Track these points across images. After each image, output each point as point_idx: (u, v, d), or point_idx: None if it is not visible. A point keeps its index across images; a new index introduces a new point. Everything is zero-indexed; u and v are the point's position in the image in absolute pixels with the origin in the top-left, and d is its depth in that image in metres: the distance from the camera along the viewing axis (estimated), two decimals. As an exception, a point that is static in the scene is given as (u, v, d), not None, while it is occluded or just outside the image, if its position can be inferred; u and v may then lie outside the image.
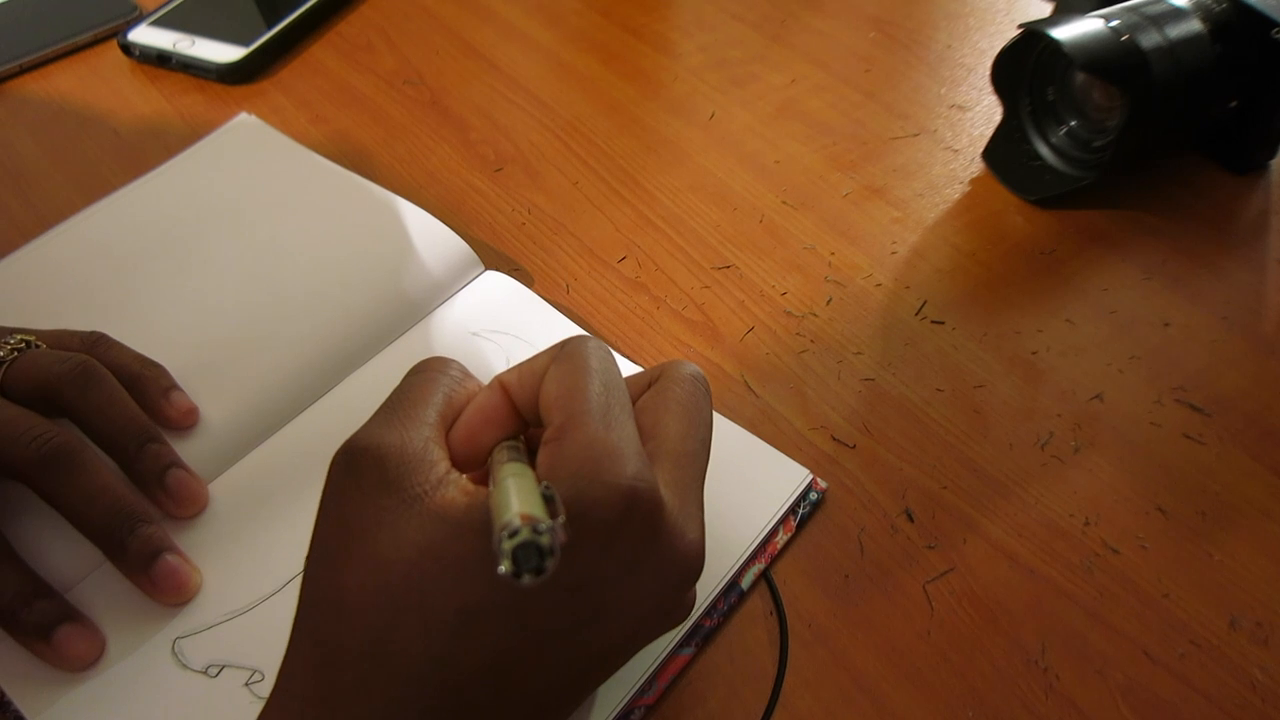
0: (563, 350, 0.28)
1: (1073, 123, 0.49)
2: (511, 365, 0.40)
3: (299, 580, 0.33)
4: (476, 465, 0.27)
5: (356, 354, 0.40)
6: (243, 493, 0.36)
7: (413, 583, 0.23)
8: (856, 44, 0.59)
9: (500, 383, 0.28)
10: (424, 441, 0.26)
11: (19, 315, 0.38)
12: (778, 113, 0.54)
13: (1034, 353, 0.42)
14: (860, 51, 0.58)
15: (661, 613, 0.27)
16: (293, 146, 0.50)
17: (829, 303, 0.44)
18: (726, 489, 0.35)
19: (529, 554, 0.20)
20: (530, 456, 0.27)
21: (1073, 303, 0.44)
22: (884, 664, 0.33)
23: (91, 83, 0.57)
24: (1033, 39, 0.46)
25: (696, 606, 0.31)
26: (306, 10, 0.60)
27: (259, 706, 0.25)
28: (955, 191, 0.49)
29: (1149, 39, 0.44)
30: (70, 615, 0.31)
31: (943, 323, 0.43)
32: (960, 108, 0.54)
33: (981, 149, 0.51)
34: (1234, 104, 0.47)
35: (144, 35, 0.57)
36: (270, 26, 0.58)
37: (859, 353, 0.42)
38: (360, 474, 0.25)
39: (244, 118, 0.52)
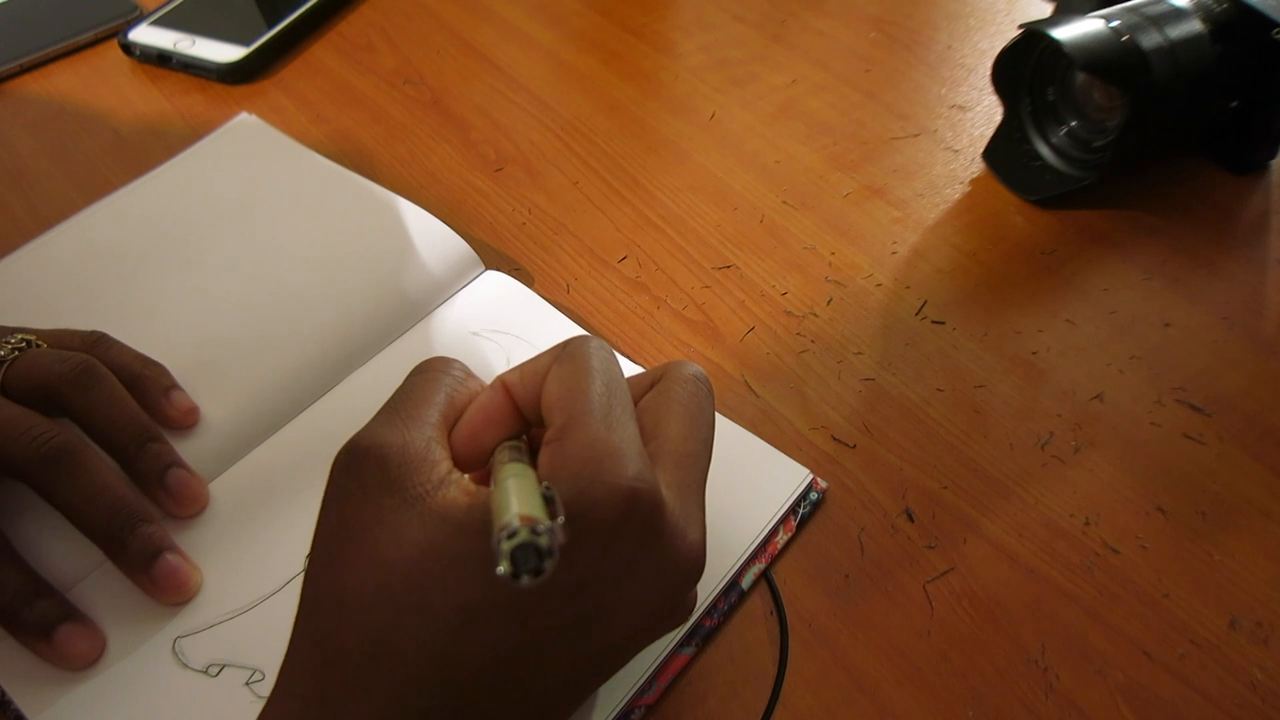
0: (565, 350, 0.28)
1: (1073, 123, 0.49)
2: (512, 365, 0.40)
3: (299, 580, 0.33)
4: (479, 465, 0.27)
5: (357, 354, 0.40)
6: (243, 492, 0.36)
7: (414, 582, 0.23)
8: (857, 44, 0.59)
9: (502, 383, 0.28)
10: (426, 441, 0.26)
11: (19, 315, 0.38)
12: (778, 113, 0.54)
13: (1034, 353, 0.42)
14: (860, 51, 0.58)
15: (662, 613, 0.27)
16: (293, 146, 0.50)
17: (829, 303, 0.44)
18: (727, 489, 0.35)
19: (527, 555, 0.20)
20: (532, 457, 0.27)
21: (1073, 303, 0.44)
22: (884, 664, 0.33)
23: (92, 82, 0.57)
24: (1033, 39, 0.46)
25: (697, 606, 0.31)
26: (307, 10, 0.60)
27: (259, 706, 0.25)
28: (955, 191, 0.49)
29: (1149, 39, 0.44)
30: (71, 614, 0.32)
31: (943, 323, 0.43)
32: (961, 108, 0.54)
33: (982, 149, 0.51)
34: (1234, 104, 0.47)
35: (144, 35, 0.57)
36: (271, 26, 0.58)
37: (859, 353, 0.42)
38: (362, 474, 0.25)
39: (244, 117, 0.52)
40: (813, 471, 0.37)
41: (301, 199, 0.47)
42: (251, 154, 0.50)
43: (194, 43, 0.57)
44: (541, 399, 0.27)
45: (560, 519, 0.22)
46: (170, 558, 0.33)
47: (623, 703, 0.31)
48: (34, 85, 0.56)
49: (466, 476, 0.26)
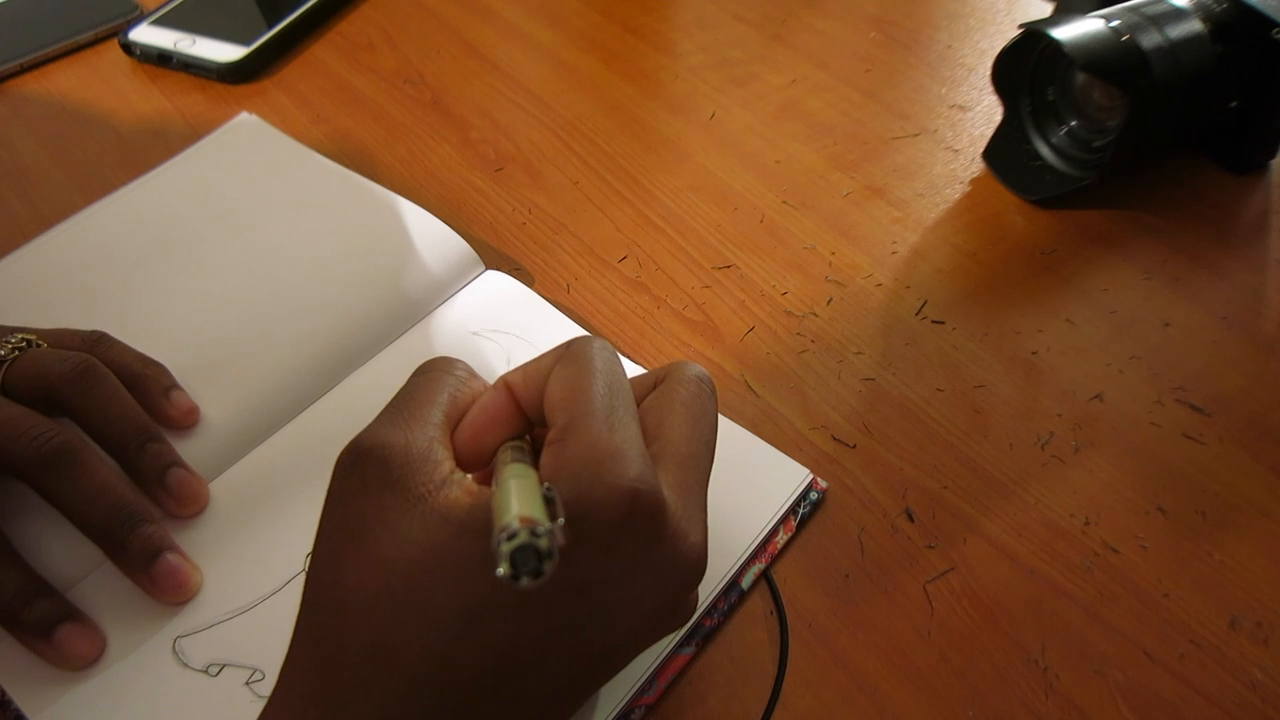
0: (568, 351, 0.28)
1: (1073, 123, 0.49)
2: (512, 365, 0.40)
3: (299, 580, 0.33)
4: (481, 465, 0.27)
5: (357, 354, 0.40)
6: (243, 492, 0.36)
7: (415, 583, 0.23)
8: (857, 44, 0.59)
9: (505, 383, 0.28)
10: (428, 441, 0.26)
11: (19, 315, 0.38)
12: (778, 113, 0.54)
13: (1034, 353, 0.42)
14: (861, 51, 0.58)
15: (664, 614, 0.27)
16: (293, 146, 0.50)
17: (829, 302, 0.44)
18: (727, 488, 0.35)
19: (527, 556, 0.20)
20: (535, 456, 0.27)
21: (1073, 303, 0.44)
22: (884, 664, 0.33)
23: (92, 82, 0.57)
24: (1033, 39, 0.46)
25: (697, 606, 0.31)
26: (307, 10, 0.60)
27: (259, 706, 0.25)
28: (955, 191, 0.49)
29: (1149, 39, 0.44)
30: (71, 614, 0.32)
31: (943, 323, 0.43)
32: (961, 108, 0.54)
33: (982, 149, 0.51)
34: (1234, 104, 0.47)
35: (145, 34, 0.57)
36: (271, 26, 0.58)
37: (859, 352, 0.42)
38: (364, 473, 0.25)
39: (245, 117, 0.52)
40: (813, 471, 0.37)
41: (301, 199, 0.47)
42: (251, 154, 0.50)
43: (194, 42, 0.57)
44: (544, 399, 0.27)
45: (560, 520, 0.22)
46: (170, 557, 0.33)
47: (623, 702, 0.31)
48: (34, 85, 0.56)
49: (469, 477, 0.26)
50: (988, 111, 0.54)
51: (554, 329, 0.42)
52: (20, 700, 0.31)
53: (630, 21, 0.61)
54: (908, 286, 0.45)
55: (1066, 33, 0.43)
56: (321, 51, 0.59)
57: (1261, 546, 0.36)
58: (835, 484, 0.37)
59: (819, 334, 0.43)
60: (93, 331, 0.37)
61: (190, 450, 0.36)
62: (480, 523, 0.23)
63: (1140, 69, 0.43)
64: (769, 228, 0.48)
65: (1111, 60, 0.43)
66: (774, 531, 0.35)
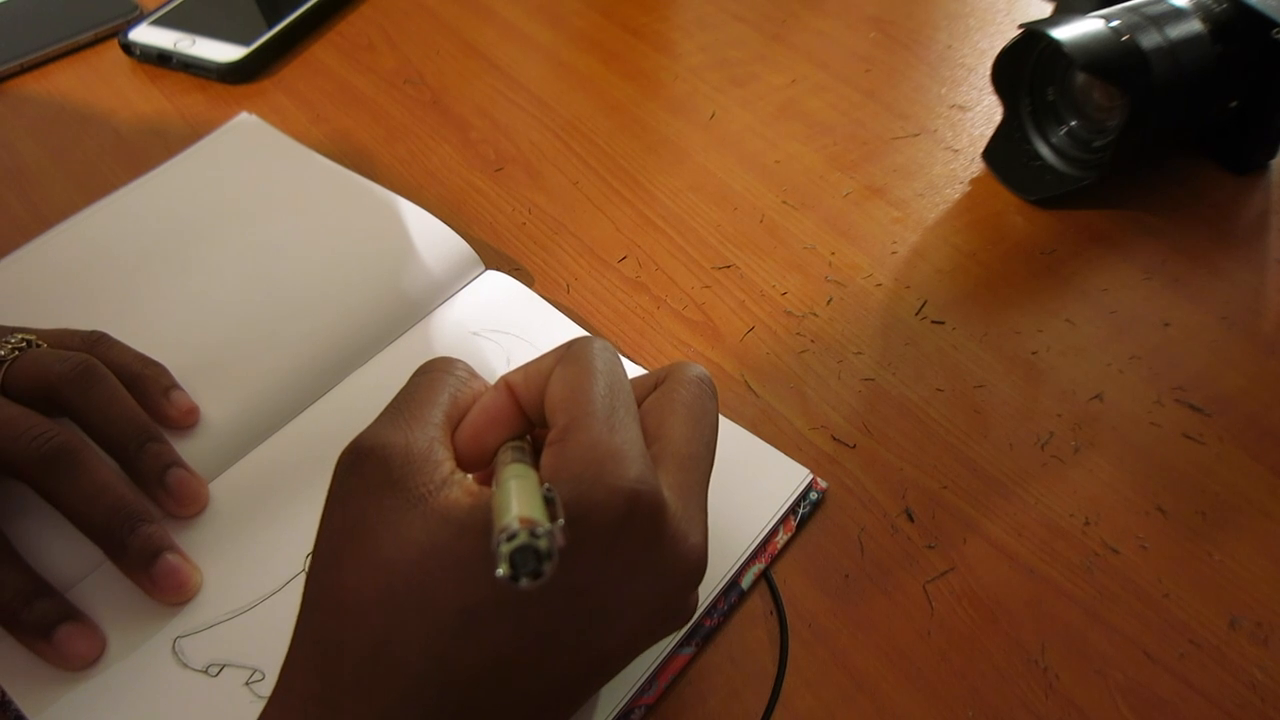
0: (568, 351, 0.28)
1: (1073, 123, 0.49)
2: (512, 365, 0.40)
3: (299, 580, 0.33)
4: (482, 465, 0.27)
5: (357, 354, 0.40)
6: (243, 492, 0.36)
7: (415, 583, 0.23)
8: (857, 44, 0.59)
9: (506, 383, 0.28)
10: (429, 442, 0.26)
11: (19, 315, 0.38)
12: (778, 113, 0.54)
13: (1034, 353, 0.42)
14: (860, 51, 0.58)
15: (664, 616, 0.27)
16: (293, 146, 0.50)
17: (829, 302, 0.44)
18: (727, 489, 0.35)
19: (526, 557, 0.20)
20: (536, 457, 0.27)
21: (1073, 303, 0.44)
22: (884, 664, 0.33)
23: (92, 82, 0.57)
24: (1033, 39, 0.46)
25: (697, 606, 0.31)
26: (307, 10, 0.60)
27: (259, 706, 0.25)
28: (955, 191, 0.49)
29: (1149, 39, 0.44)
30: (71, 614, 0.32)
31: (943, 323, 0.43)
32: (960, 108, 0.54)
33: (982, 149, 0.51)
34: (1234, 104, 0.47)
35: (144, 35, 0.57)
36: (271, 26, 0.58)
37: (859, 352, 0.42)
38: (365, 474, 0.25)
39: (244, 117, 0.52)
40: (813, 471, 0.37)
41: (301, 199, 0.47)
42: (251, 154, 0.50)
43: (194, 42, 0.57)
44: (545, 399, 0.27)
45: (560, 521, 0.22)
46: (170, 557, 0.33)
47: (623, 703, 0.31)
48: (34, 85, 0.56)
49: (470, 477, 0.26)
50: (988, 111, 0.54)
51: (554, 329, 0.42)
52: (20, 700, 0.31)
53: (630, 21, 0.61)
54: (907, 286, 0.45)
55: (1066, 33, 0.43)
56: (321, 51, 0.59)
57: (1261, 546, 0.36)
58: (835, 484, 0.37)
59: (819, 334, 0.43)
60: (92, 332, 0.37)
61: (190, 450, 0.36)
62: (481, 523, 0.23)
63: (1140, 69, 0.43)
64: (769, 228, 0.48)
65: (1111, 60, 0.43)
66: (774, 531, 0.35)
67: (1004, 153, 0.50)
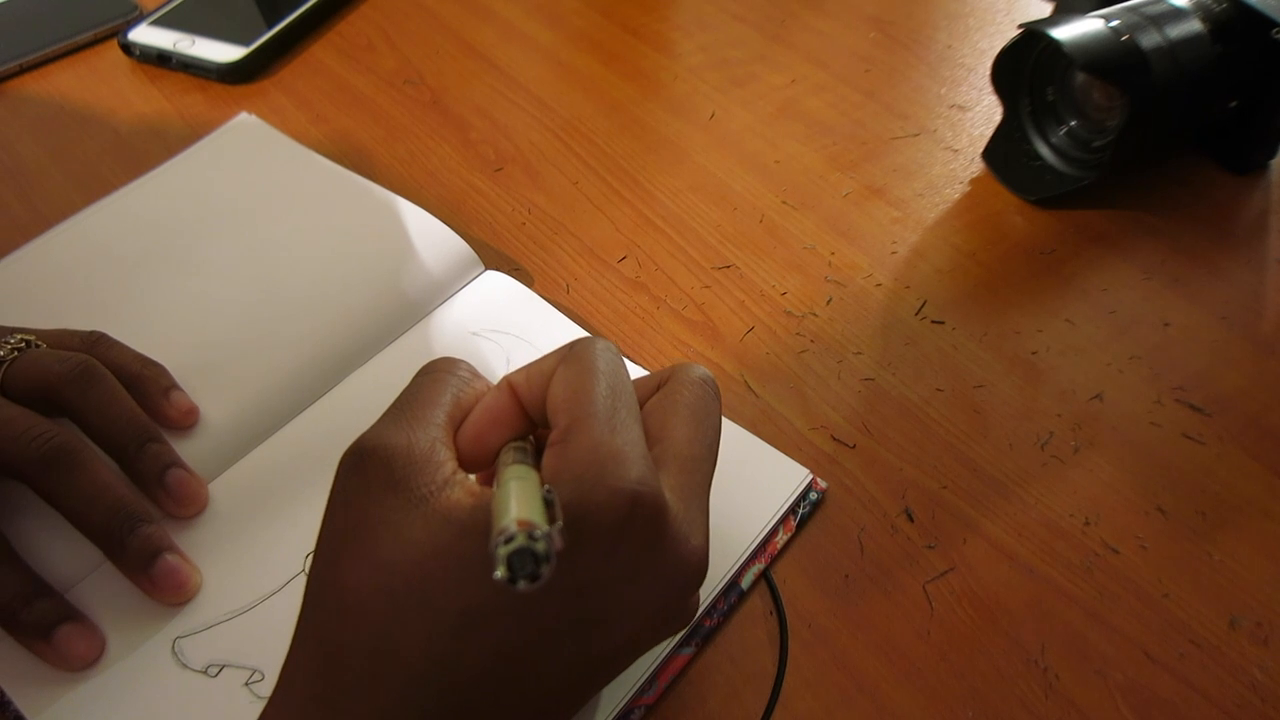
0: (571, 352, 0.28)
1: (1073, 123, 0.49)
2: (512, 365, 0.40)
3: (299, 580, 0.33)
4: (484, 466, 0.27)
5: (356, 354, 0.40)
6: (243, 493, 0.36)
7: (415, 583, 0.23)
8: (856, 44, 0.59)
9: (509, 383, 0.28)
10: (431, 442, 0.26)
11: (19, 315, 0.38)
12: (778, 113, 0.54)
13: (1034, 353, 0.42)
14: (860, 51, 0.58)
15: (664, 617, 0.27)
16: (293, 146, 0.50)
17: (829, 302, 0.44)
18: (726, 489, 0.35)
19: (524, 560, 0.20)
20: (539, 457, 0.26)
21: (1073, 303, 0.44)
22: (884, 664, 0.33)
23: (91, 82, 0.57)
24: (1033, 39, 0.46)
25: (698, 608, 0.31)
26: (307, 10, 0.60)
27: (259, 706, 0.25)
28: (955, 191, 0.49)
29: (1149, 39, 0.44)
30: (70, 615, 0.31)
31: (943, 323, 0.43)
32: (960, 108, 0.54)
33: (981, 149, 0.51)
34: (1234, 104, 0.47)
35: (144, 35, 0.57)
36: (270, 26, 0.58)
37: (859, 353, 0.42)
38: (367, 474, 0.25)
39: (244, 117, 0.52)
40: (812, 471, 0.37)
41: (301, 199, 0.47)
42: (251, 154, 0.50)
43: (194, 43, 0.57)
44: (547, 400, 0.27)
45: (558, 524, 0.22)
46: (170, 558, 0.33)
47: (623, 703, 0.31)
48: (34, 85, 0.56)
49: (472, 477, 0.26)
50: (987, 111, 0.54)
51: (553, 329, 0.42)
52: (20, 701, 0.31)
53: (630, 21, 0.61)
54: (907, 286, 0.45)
55: (1066, 33, 0.43)
56: (321, 52, 0.59)
57: (1261, 546, 0.36)
58: (835, 484, 0.37)
59: (818, 334, 0.43)
60: (92, 332, 0.37)
61: (190, 450, 0.36)
62: (482, 524, 0.23)
63: (1140, 69, 0.43)
64: (769, 228, 0.48)
65: (1111, 60, 0.43)
66: (774, 532, 0.35)
67: (1004, 153, 0.50)
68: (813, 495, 0.37)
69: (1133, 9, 0.45)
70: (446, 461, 0.26)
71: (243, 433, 0.37)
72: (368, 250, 0.44)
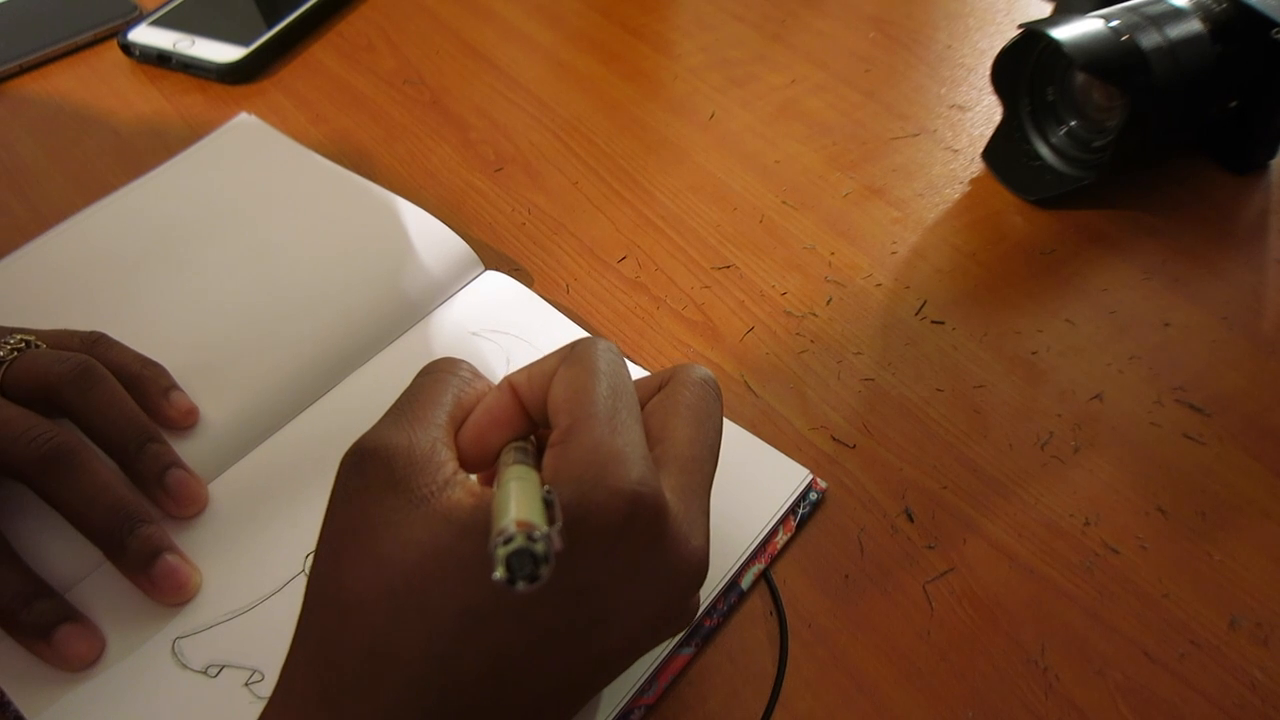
0: (572, 352, 0.28)
1: (1073, 123, 0.49)
2: (512, 365, 0.40)
3: (299, 580, 0.33)
4: (485, 466, 0.27)
5: (356, 354, 0.40)
6: (243, 493, 0.36)
7: (415, 583, 0.23)
8: (856, 44, 0.59)
9: (510, 383, 0.28)
10: (432, 442, 0.26)
11: (19, 315, 0.38)
12: (778, 113, 0.54)
13: (1034, 353, 0.42)
14: (860, 51, 0.58)
15: (665, 618, 0.27)
16: (293, 146, 0.50)
17: (829, 303, 0.44)
18: (726, 489, 0.35)
19: (523, 561, 0.20)
20: (540, 458, 0.26)
21: (1073, 303, 0.44)
22: (884, 664, 0.33)
23: (91, 83, 0.57)
24: (1033, 39, 0.46)
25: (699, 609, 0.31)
26: (306, 10, 0.60)
27: (259, 706, 0.25)
28: (955, 191, 0.49)
29: (1149, 39, 0.44)
30: (70, 615, 0.31)
31: (943, 323, 0.43)
32: (960, 108, 0.54)
33: (981, 149, 0.51)
34: (1234, 104, 0.47)
35: (144, 35, 0.57)
36: (270, 26, 0.58)
37: (859, 353, 0.42)
38: (368, 474, 0.25)
39: (244, 118, 0.52)
40: (812, 472, 0.37)
41: (301, 199, 0.47)
42: (251, 154, 0.50)
43: (193, 43, 0.57)
44: (548, 400, 0.27)
45: (558, 525, 0.22)
46: (169, 558, 0.33)
47: (623, 703, 0.31)
48: (34, 85, 0.56)
49: (473, 477, 0.26)
50: (987, 111, 0.54)
51: (553, 329, 0.42)
52: (19, 701, 0.31)
53: (630, 21, 0.61)
54: (907, 286, 0.45)
55: (1066, 33, 0.43)
56: (321, 52, 0.59)
57: (1261, 546, 0.36)
58: (835, 484, 0.37)
59: (818, 334, 0.43)
60: (91, 332, 0.37)
61: (189, 451, 0.36)
62: (482, 524, 0.23)
63: (1140, 69, 0.43)
64: (768, 228, 0.48)
65: (1111, 60, 0.43)
66: (774, 532, 0.35)
67: (1003, 153, 0.50)
68: (813, 495, 0.37)
69: (1133, 9, 0.45)
70: (447, 462, 0.26)
71: (243, 433, 0.37)
72: (367, 250, 0.44)
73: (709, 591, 0.33)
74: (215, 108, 0.55)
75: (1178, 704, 0.32)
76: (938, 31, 0.60)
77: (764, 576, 0.35)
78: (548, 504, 0.22)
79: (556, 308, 0.43)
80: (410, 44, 0.59)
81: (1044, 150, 0.49)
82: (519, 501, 0.22)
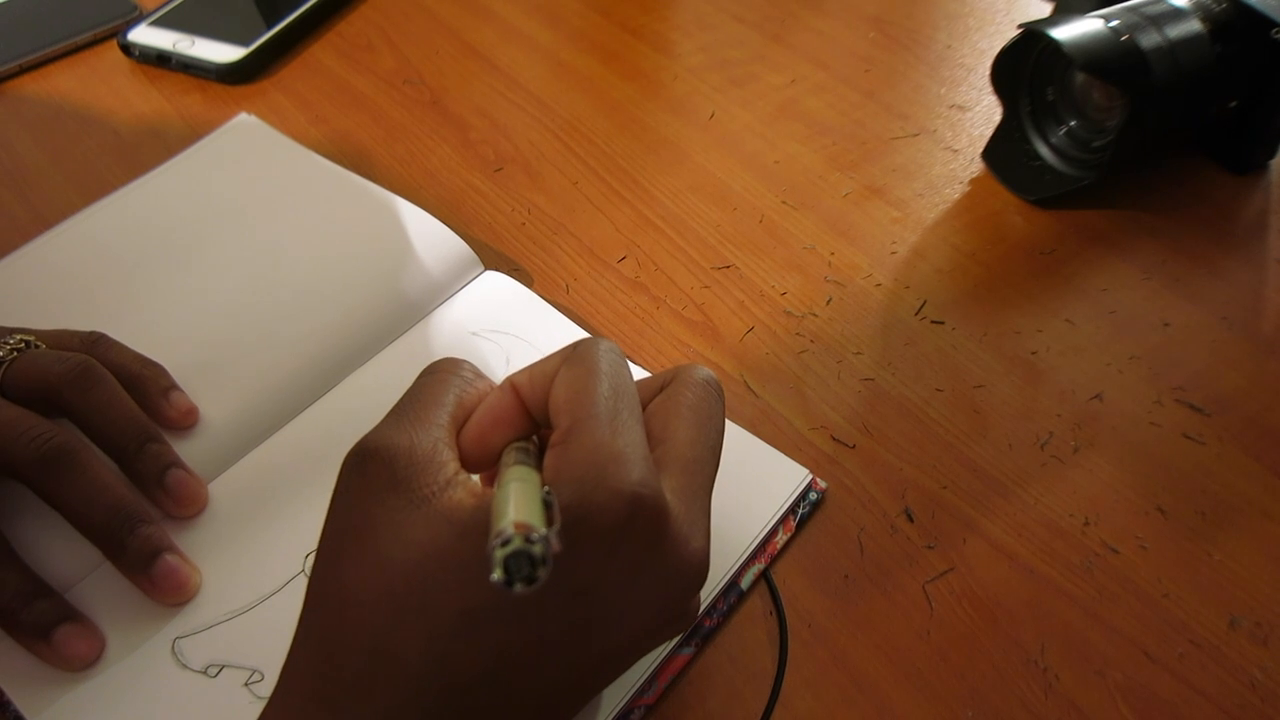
0: (574, 352, 0.27)
1: (1072, 123, 0.49)
2: (511, 365, 0.40)
3: (298, 580, 0.33)
4: (487, 466, 0.27)
5: (356, 354, 0.40)
6: (243, 493, 0.36)
7: (416, 583, 0.23)
8: (856, 44, 0.59)
9: (511, 384, 0.28)
10: (433, 443, 0.26)
11: (19, 315, 0.38)
12: (778, 113, 0.54)
13: (1034, 353, 0.42)
14: (860, 51, 0.58)
15: (665, 619, 0.27)
16: (292, 146, 0.50)
17: (829, 303, 0.44)
18: (726, 489, 0.35)
19: (521, 563, 0.20)
20: (542, 458, 0.26)
21: (1073, 303, 0.44)
22: (884, 664, 0.33)
23: (91, 83, 0.57)
24: (1032, 39, 0.46)
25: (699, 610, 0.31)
26: (306, 10, 0.60)
27: (259, 707, 0.25)
28: (955, 191, 0.49)
29: (1149, 39, 0.44)
30: (70, 615, 0.31)
31: (942, 323, 0.43)
32: (960, 108, 0.54)
33: (981, 149, 0.51)
34: (1234, 104, 0.47)
35: (144, 35, 0.57)
36: (270, 26, 0.58)
37: (859, 353, 0.42)
38: (369, 474, 0.25)
39: (244, 118, 0.52)
40: (812, 471, 0.37)
41: (300, 199, 0.47)
42: (251, 154, 0.50)
43: (193, 43, 0.57)
44: (549, 401, 0.27)
45: (556, 526, 0.22)
46: (169, 558, 0.33)
47: (623, 703, 0.31)
48: (33, 85, 0.56)
49: (475, 478, 0.26)
50: (987, 111, 0.54)
51: (553, 330, 0.42)
52: (19, 701, 0.31)
53: (630, 22, 0.61)
54: (907, 286, 0.45)
55: (1066, 33, 0.43)
56: (320, 52, 0.59)
57: (1261, 546, 0.36)
58: (835, 484, 0.37)
59: (818, 334, 0.43)
60: (91, 332, 0.37)
61: (189, 451, 0.36)
62: (483, 525, 0.23)
63: (1140, 69, 0.43)
64: (768, 228, 0.48)
65: (1111, 60, 0.43)
66: (773, 532, 0.35)
67: (1003, 153, 0.50)
68: (812, 495, 0.37)
69: (1132, 9, 0.45)
70: (449, 462, 0.26)
71: (243, 433, 0.37)
72: (367, 251, 0.44)
73: (709, 591, 0.33)
74: (215, 108, 0.55)
75: (1178, 704, 0.32)
76: (938, 31, 0.60)
77: (764, 576, 0.35)
78: (547, 505, 0.22)
79: (556, 308, 0.43)
80: (410, 44, 0.59)
81: (1044, 150, 0.49)
82: (518, 503, 0.22)
